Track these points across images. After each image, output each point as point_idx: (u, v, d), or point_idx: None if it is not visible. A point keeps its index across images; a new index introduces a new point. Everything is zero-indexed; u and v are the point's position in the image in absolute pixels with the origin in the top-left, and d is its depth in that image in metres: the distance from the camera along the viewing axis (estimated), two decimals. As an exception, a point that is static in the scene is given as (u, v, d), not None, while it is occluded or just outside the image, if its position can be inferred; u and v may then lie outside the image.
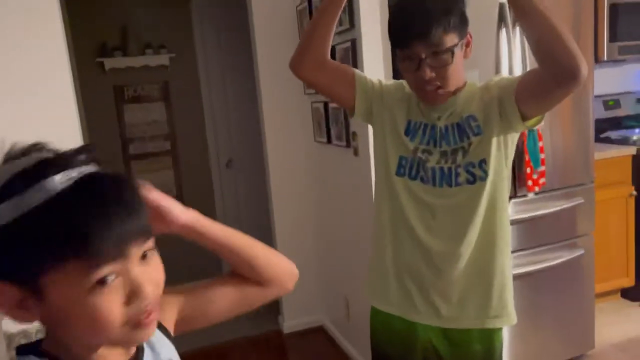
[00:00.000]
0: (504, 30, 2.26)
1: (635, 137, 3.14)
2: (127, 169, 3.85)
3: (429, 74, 1.22)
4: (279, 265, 0.87)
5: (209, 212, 3.49)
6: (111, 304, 0.60)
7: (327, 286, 3.17)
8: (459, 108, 1.29)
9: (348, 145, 2.47)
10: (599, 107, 3.49)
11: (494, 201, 1.29)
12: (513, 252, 2.41)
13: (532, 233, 2.47)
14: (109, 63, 3.66)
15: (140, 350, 0.71)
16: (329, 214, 2.98)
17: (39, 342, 0.65)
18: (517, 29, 2.29)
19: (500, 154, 1.27)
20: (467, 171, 1.28)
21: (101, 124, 3.71)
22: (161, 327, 0.77)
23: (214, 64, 3.99)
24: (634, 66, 3.65)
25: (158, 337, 0.76)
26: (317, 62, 1.35)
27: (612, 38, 3.17)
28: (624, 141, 3.16)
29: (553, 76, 1.10)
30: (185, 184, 3.97)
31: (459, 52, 1.24)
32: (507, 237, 1.33)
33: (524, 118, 1.20)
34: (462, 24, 1.23)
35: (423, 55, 1.21)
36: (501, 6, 2.25)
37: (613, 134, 3.32)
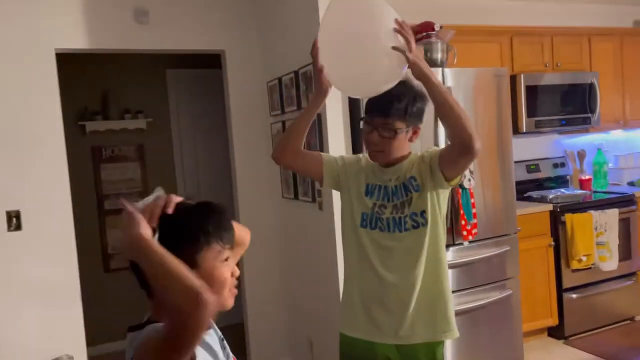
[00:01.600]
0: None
1: (551, 196, 3.71)
2: (101, 223, 4.09)
3: (376, 139, 1.68)
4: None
5: None
6: (228, 273, 1.08)
7: (292, 329, 3.48)
8: (403, 172, 1.74)
9: (313, 200, 2.89)
10: (522, 171, 4.09)
11: (434, 240, 1.71)
12: (453, 292, 2.85)
13: (469, 275, 2.92)
14: (90, 126, 3.98)
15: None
16: (294, 262, 3.34)
17: (147, 321, 1.01)
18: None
19: (435, 206, 1.71)
20: (412, 219, 1.71)
21: (78, 181, 3.97)
22: None
23: (186, 127, 4.38)
24: (550, 137, 4.31)
25: None
26: (294, 152, 1.79)
27: (530, 114, 3.80)
28: (543, 199, 3.73)
29: (457, 148, 1.57)
30: (156, 237, 4.23)
31: (403, 135, 1.70)
32: (445, 268, 1.75)
33: (447, 179, 1.65)
34: (415, 119, 1.69)
35: (377, 125, 1.67)
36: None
37: (534, 193, 3.89)
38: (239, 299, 3.75)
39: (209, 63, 3.81)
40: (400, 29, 1.50)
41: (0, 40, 2.83)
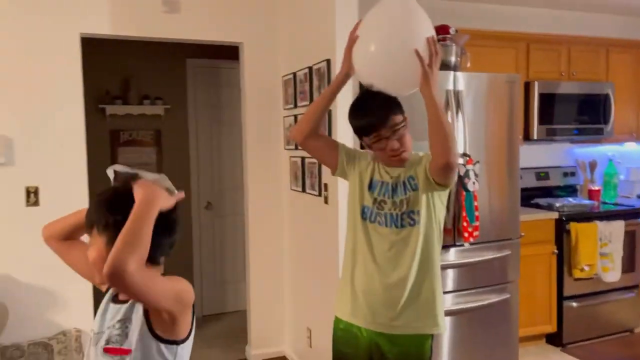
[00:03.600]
0: (448, 113, 2.85)
1: (558, 204, 3.74)
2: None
3: (396, 145, 1.74)
4: None
5: (187, 247, 4.08)
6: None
7: (293, 318, 3.56)
8: (405, 170, 1.80)
9: (319, 194, 2.96)
10: (531, 178, 4.11)
11: (428, 239, 1.78)
12: (454, 291, 2.93)
13: (468, 277, 2.97)
14: (110, 109, 4.11)
15: None
16: (299, 253, 3.42)
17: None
18: (460, 113, 2.88)
19: (430, 206, 1.77)
20: (409, 217, 1.78)
21: (96, 162, 4.09)
22: None
23: (203, 117, 4.48)
24: (562, 145, 4.33)
25: None
26: (313, 133, 1.87)
27: (542, 121, 3.82)
28: (550, 207, 3.76)
29: (438, 164, 1.65)
30: (167, 221, 4.35)
31: (405, 125, 1.77)
32: (437, 267, 1.81)
33: (438, 184, 1.72)
34: (400, 107, 1.76)
35: (387, 135, 1.73)
36: (447, 93, 2.85)
37: (542, 201, 3.92)
38: (243, 286, 3.85)
39: (228, 54, 3.90)
40: (431, 42, 1.61)
41: (28, 23, 2.95)
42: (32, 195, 2.99)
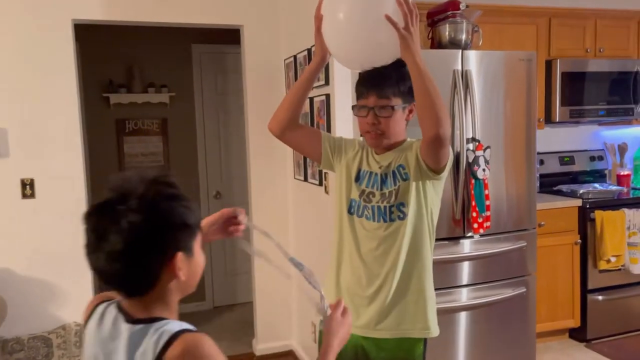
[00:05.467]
0: (455, 96, 2.64)
1: (582, 191, 3.49)
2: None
3: (372, 120, 1.57)
4: None
5: None
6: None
7: (298, 312, 3.44)
8: (395, 159, 1.64)
9: (320, 183, 2.81)
10: (554, 162, 3.86)
11: (417, 234, 1.61)
12: (467, 285, 2.74)
13: (481, 270, 2.78)
14: (114, 98, 4.02)
15: None
16: (303, 245, 3.28)
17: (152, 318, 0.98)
18: (468, 94, 2.67)
19: (420, 199, 1.60)
20: (398, 209, 1.61)
21: (101, 153, 4.05)
22: None
23: (209, 104, 4.37)
24: (588, 127, 4.05)
25: None
26: (291, 124, 1.72)
27: (565, 102, 3.56)
28: (573, 194, 3.51)
29: (428, 140, 1.48)
30: (175, 212, 4.27)
31: (400, 112, 1.60)
32: (428, 265, 1.65)
33: (431, 169, 1.54)
34: (408, 95, 1.58)
35: (372, 105, 1.57)
36: (454, 73, 2.64)
37: (565, 187, 3.67)
38: (250, 278, 3.74)
39: (233, 39, 3.76)
40: (401, 1, 1.42)
41: (18, 11, 2.86)
42: (27, 188, 2.93)
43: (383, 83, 1.57)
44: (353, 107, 1.68)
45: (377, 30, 1.45)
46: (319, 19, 1.56)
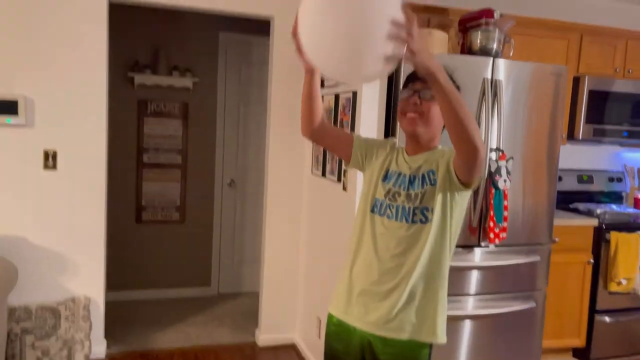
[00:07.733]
0: (482, 105, 2.63)
1: (599, 211, 3.46)
2: (138, 175, 4.18)
3: (415, 99, 1.60)
4: None
5: (207, 223, 3.97)
6: None
7: (304, 306, 3.45)
8: (425, 164, 1.64)
9: (339, 180, 2.81)
10: (572, 180, 3.84)
11: (439, 241, 1.61)
12: (475, 295, 2.73)
13: (491, 280, 2.78)
14: (139, 79, 4.05)
15: None
16: (315, 240, 3.29)
17: None
18: (496, 103, 2.66)
19: (446, 208, 1.60)
20: (422, 213, 1.61)
21: (122, 131, 4.08)
22: None
23: (231, 95, 4.38)
24: (610, 148, 4.02)
25: None
26: (315, 130, 1.77)
27: (589, 120, 3.53)
28: (589, 213, 3.49)
29: (461, 157, 1.45)
30: (189, 196, 4.30)
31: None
32: (444, 272, 1.64)
33: (461, 182, 1.53)
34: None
35: (418, 88, 1.60)
36: (484, 81, 2.63)
37: (581, 206, 3.65)
38: (258, 268, 3.76)
39: (260, 30, 3.76)
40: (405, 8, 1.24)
41: (55, -17, 2.89)
42: (50, 159, 2.96)
43: None
44: (400, 91, 1.68)
45: (366, 50, 1.25)
46: (298, 41, 1.40)
